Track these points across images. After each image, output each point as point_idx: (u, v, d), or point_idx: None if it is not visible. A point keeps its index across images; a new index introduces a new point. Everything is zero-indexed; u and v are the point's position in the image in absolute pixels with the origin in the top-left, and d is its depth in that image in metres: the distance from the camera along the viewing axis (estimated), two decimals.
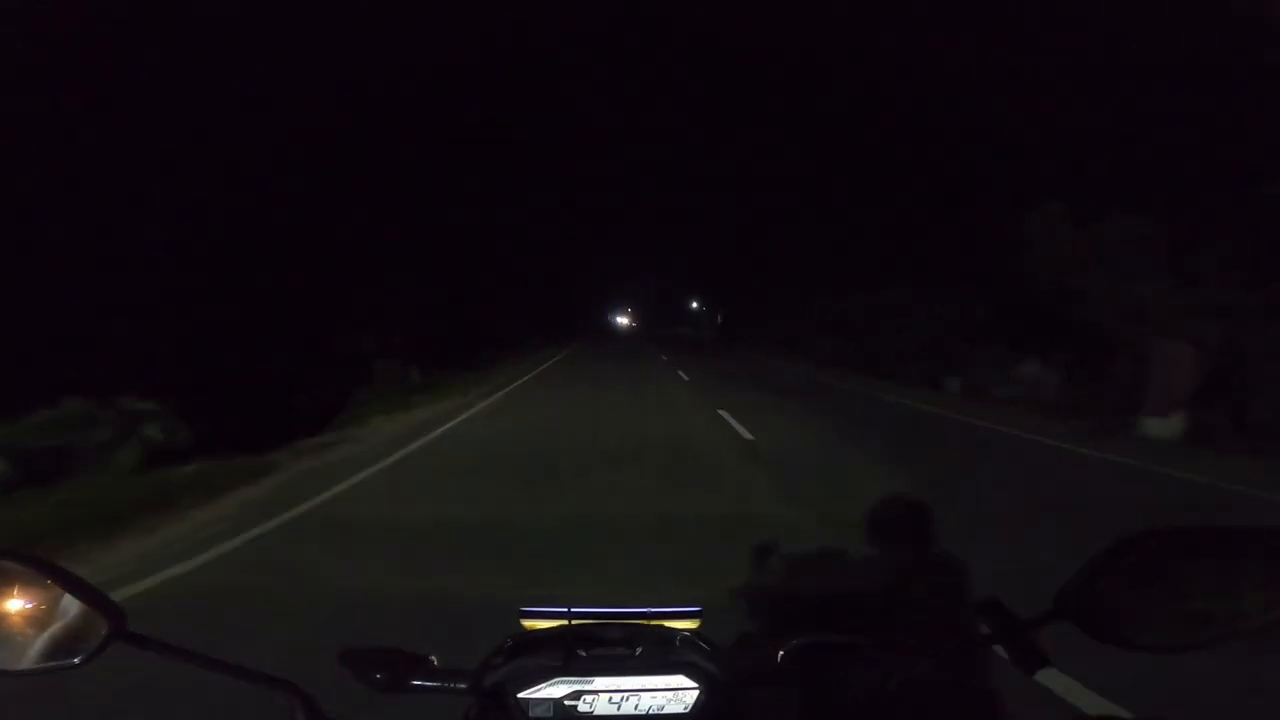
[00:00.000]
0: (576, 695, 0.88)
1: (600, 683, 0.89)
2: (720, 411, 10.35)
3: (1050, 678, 2.31)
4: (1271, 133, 9.86)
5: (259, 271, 15.39)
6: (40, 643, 0.76)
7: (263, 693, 0.80)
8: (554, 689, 0.88)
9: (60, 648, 0.76)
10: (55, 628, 0.76)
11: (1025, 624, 0.80)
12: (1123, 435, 9.33)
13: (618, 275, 75.04)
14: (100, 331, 12.04)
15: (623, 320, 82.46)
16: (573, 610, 0.99)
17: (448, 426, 9.08)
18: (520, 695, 0.88)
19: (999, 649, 0.83)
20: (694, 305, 65.60)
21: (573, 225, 48.51)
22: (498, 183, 27.11)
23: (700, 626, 0.99)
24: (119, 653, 0.75)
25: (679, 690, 0.89)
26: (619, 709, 0.88)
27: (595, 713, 0.88)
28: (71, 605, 0.77)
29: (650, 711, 0.88)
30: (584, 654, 0.91)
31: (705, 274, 52.83)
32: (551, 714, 0.88)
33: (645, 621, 0.98)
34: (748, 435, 8.48)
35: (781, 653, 0.91)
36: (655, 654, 0.92)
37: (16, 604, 0.76)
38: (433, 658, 0.92)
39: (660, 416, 10.18)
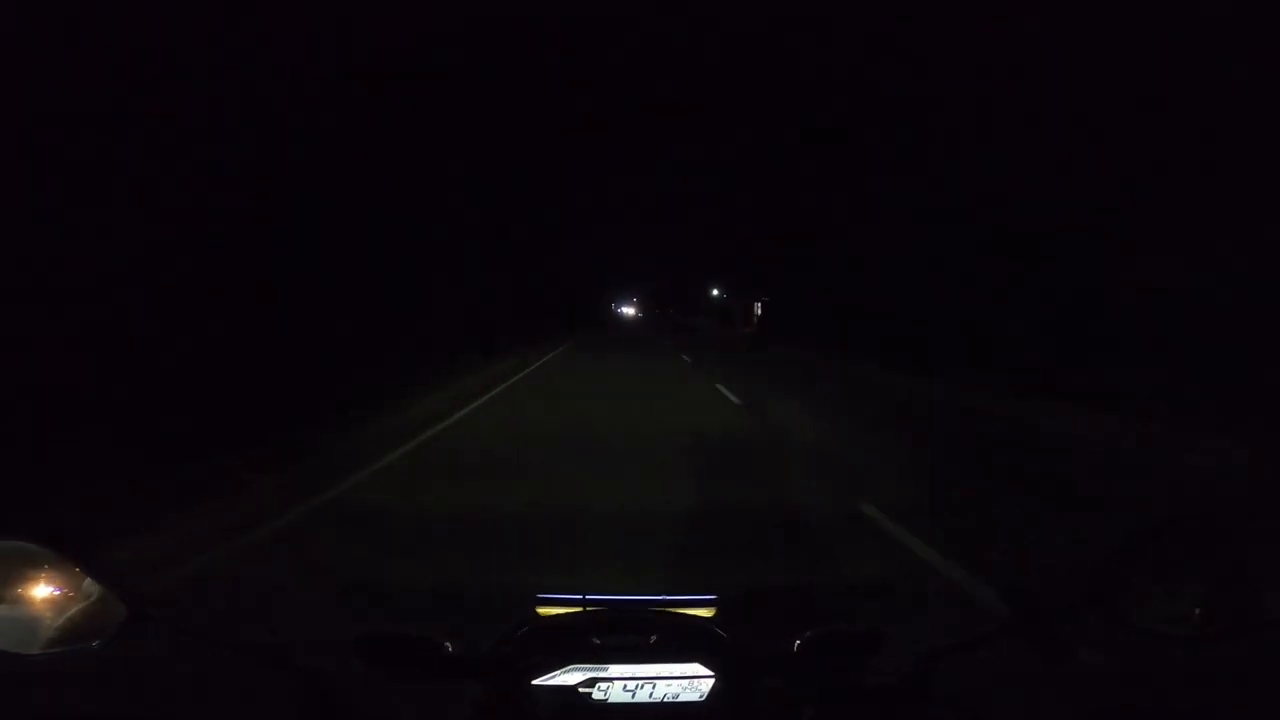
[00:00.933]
0: (591, 683, 0.87)
1: (615, 670, 0.88)
2: None
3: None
4: None
5: None
6: (58, 627, 0.77)
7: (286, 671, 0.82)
8: (568, 676, 0.87)
9: (78, 632, 0.77)
10: (74, 612, 0.78)
11: (1048, 611, 0.79)
12: None
13: (622, 261, 65.67)
14: None
15: (628, 310, 74.02)
16: (587, 598, 1.01)
17: None
18: (534, 682, 0.87)
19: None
20: (714, 293, 51.66)
21: (563, 202, 36.87)
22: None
23: (716, 615, 1.00)
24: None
25: (694, 678, 0.88)
26: (633, 697, 0.87)
27: (609, 700, 0.87)
28: (91, 590, 0.78)
29: (665, 699, 0.88)
30: (598, 641, 0.90)
31: (731, 255, 38.19)
32: (565, 701, 0.87)
33: (660, 609, 0.99)
34: None
35: (798, 642, 0.90)
36: (670, 642, 0.91)
37: (36, 588, 0.77)
38: (447, 644, 0.91)
39: None
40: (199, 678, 1.22)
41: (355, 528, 3.88)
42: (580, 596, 1.01)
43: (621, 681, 0.87)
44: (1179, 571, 0.73)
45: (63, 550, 0.76)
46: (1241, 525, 0.72)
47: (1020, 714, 0.83)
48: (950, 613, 2.25)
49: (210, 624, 0.93)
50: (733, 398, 9.96)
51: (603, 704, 0.87)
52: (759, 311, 36.37)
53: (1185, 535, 0.74)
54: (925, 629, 1.10)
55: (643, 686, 0.87)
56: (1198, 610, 0.72)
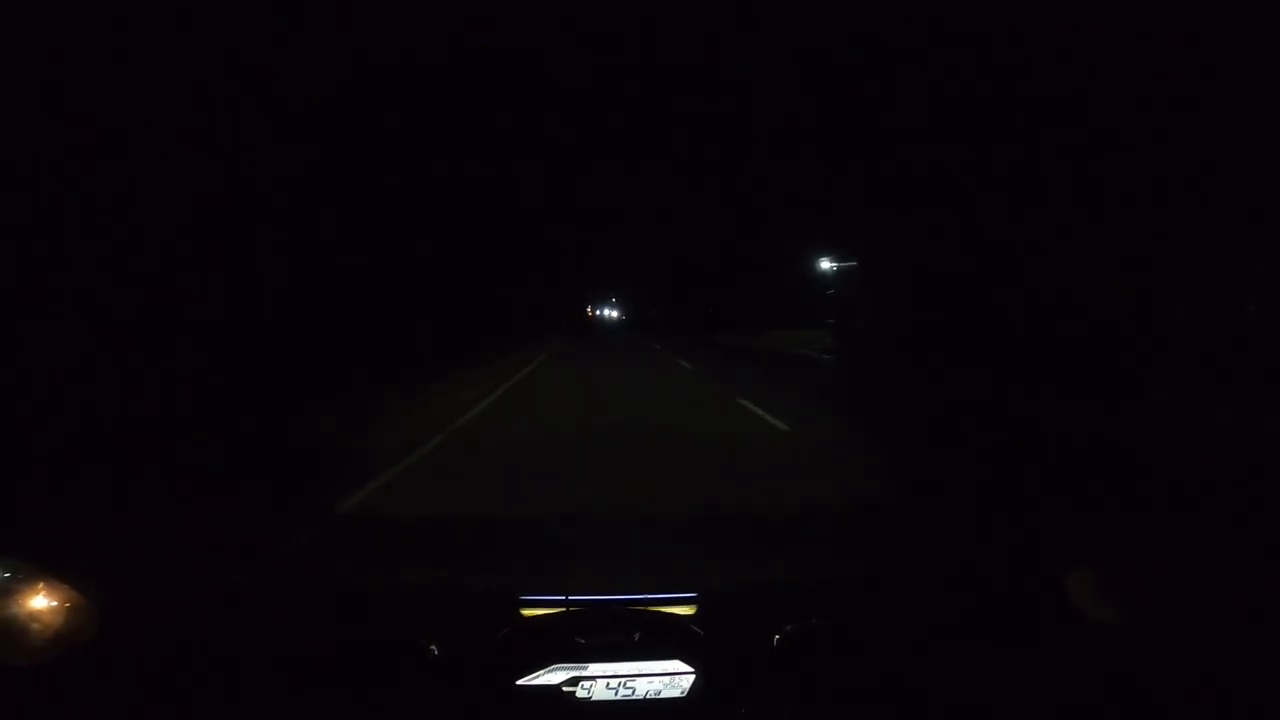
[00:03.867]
0: (574, 681, 0.89)
1: (597, 669, 0.89)
2: None
3: None
4: None
5: None
6: (42, 636, 0.77)
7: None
8: (551, 675, 0.89)
9: (61, 641, 0.77)
10: (56, 621, 0.78)
11: (1009, 602, 0.84)
12: None
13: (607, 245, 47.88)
14: None
15: (612, 313, 55.11)
16: (570, 598, 1.03)
17: None
18: (519, 682, 0.88)
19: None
20: (825, 265, 20.98)
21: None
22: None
23: (696, 612, 1.02)
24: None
25: (676, 675, 0.89)
26: (616, 694, 0.89)
27: (593, 698, 0.89)
28: (70, 600, 0.79)
29: (648, 696, 0.89)
30: (581, 641, 0.92)
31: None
32: (550, 700, 0.88)
33: (641, 608, 1.01)
34: None
35: (778, 637, 0.92)
36: (652, 640, 0.93)
37: (19, 600, 0.77)
38: (432, 646, 0.92)
39: None
40: (178, 684, 1.17)
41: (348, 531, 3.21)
42: (563, 597, 1.02)
43: (604, 680, 0.89)
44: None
45: (38, 562, 0.77)
46: None
47: (994, 704, 0.82)
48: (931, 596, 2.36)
49: (195, 627, 0.93)
50: None
51: (586, 702, 0.88)
52: None
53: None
54: (904, 622, 1.11)
55: (625, 684, 0.89)
56: (1154, 598, 0.73)
